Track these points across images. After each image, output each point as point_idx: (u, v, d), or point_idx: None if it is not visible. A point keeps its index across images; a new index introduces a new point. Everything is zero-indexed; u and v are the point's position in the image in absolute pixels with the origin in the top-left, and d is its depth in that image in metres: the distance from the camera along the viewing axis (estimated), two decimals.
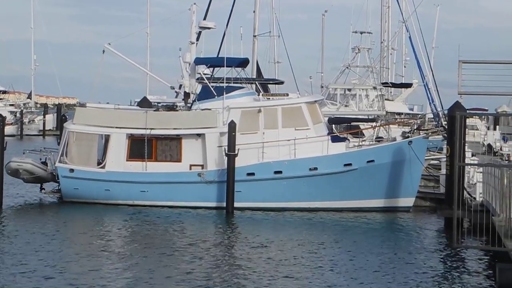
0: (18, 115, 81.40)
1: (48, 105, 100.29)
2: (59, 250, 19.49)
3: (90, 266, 17.61)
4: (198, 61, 30.65)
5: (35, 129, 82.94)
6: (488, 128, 55.50)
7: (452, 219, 17.01)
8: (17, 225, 23.52)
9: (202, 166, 27.89)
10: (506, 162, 34.70)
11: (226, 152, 26.81)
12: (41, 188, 29.52)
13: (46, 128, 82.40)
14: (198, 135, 28.00)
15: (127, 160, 28.23)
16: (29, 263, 17.76)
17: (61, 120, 47.05)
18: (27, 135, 79.34)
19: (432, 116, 40.86)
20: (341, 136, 29.82)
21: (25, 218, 25.40)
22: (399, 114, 53.64)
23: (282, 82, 37.98)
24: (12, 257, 18.34)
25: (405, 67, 64.95)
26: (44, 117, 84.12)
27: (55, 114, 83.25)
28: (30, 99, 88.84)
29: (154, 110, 29.42)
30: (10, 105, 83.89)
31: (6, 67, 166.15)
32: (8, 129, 59.37)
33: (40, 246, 19.89)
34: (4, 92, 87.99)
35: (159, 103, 34.66)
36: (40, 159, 29.41)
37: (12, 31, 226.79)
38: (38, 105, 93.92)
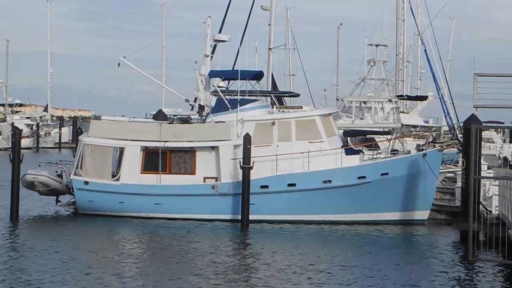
0: (34, 128, 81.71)
1: (64, 118, 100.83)
2: (75, 263, 19.49)
3: (104, 278, 17.60)
4: (213, 74, 30.73)
5: (51, 142, 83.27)
6: (504, 141, 55.13)
7: (467, 232, 16.90)
8: (33, 237, 23.58)
9: (216, 178, 27.89)
10: None
11: (241, 164, 26.81)
12: (57, 201, 29.62)
13: (62, 141, 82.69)
14: (212, 147, 28.03)
15: (141, 173, 28.28)
16: (45, 275, 17.78)
17: (77, 132, 47.23)
18: (43, 147, 79.63)
19: (448, 129, 40.72)
20: (355, 148, 29.76)
21: (40, 230, 25.44)
22: (414, 126, 53.44)
23: (298, 95, 37.94)
24: (28, 270, 18.37)
25: (420, 79, 64.70)
26: (60, 130, 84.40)
27: (71, 126, 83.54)
28: (46, 112, 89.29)
29: (169, 123, 29.49)
30: (27, 118, 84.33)
31: (22, 79, 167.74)
32: (24, 142, 59.73)
33: (56, 259, 19.90)
34: (21, 105, 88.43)
35: (175, 115, 34.73)
36: (56, 171, 29.53)
37: (29, 44, 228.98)
38: (54, 118, 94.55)
